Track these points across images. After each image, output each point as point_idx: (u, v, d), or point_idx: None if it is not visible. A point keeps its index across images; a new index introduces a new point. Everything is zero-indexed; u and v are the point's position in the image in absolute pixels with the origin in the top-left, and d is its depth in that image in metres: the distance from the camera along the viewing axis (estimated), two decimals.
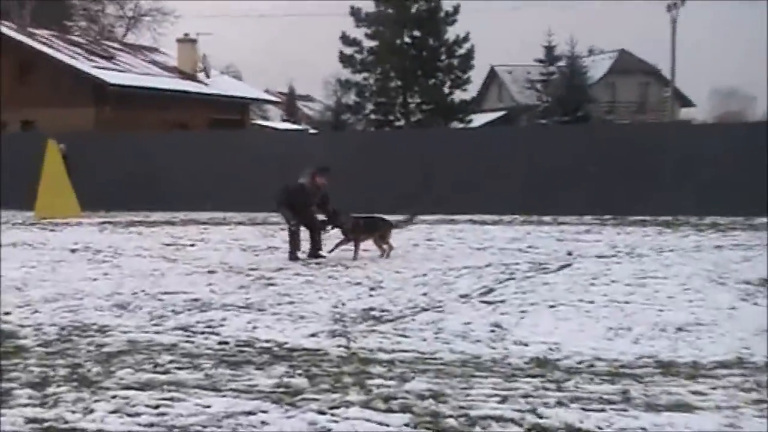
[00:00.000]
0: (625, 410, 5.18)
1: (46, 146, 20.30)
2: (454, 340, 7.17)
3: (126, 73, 29.75)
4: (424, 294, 9.33)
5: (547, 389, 5.66)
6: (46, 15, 42.75)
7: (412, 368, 6.27)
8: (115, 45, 36.29)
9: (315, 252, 12.53)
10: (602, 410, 5.18)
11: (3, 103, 27.66)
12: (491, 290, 9.51)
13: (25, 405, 5.42)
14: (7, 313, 8.38)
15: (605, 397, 5.47)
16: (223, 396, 5.57)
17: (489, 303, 8.74)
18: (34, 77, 28.24)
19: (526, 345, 6.94)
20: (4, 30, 29.73)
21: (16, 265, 11.77)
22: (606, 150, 19.36)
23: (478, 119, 43.09)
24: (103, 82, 27.24)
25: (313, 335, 7.38)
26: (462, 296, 9.17)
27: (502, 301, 8.78)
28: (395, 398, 5.48)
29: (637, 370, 6.16)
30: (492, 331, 7.47)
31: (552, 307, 8.47)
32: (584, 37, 54.08)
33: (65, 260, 12.39)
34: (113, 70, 29.46)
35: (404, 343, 7.07)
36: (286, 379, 5.96)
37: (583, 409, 5.22)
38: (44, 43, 29.67)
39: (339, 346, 6.99)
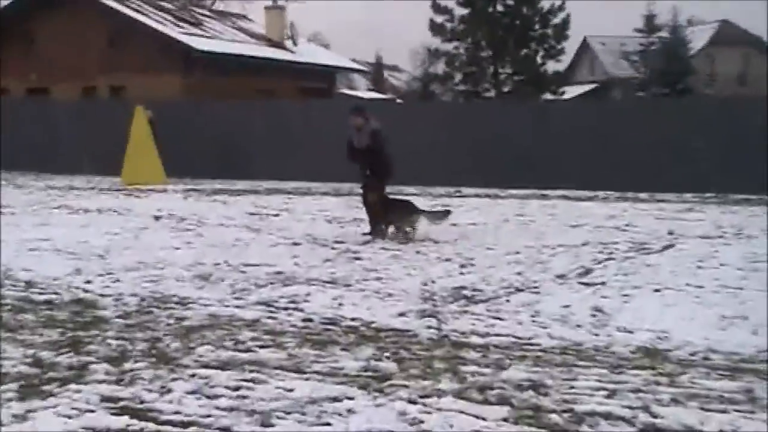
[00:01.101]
0: (751, 412, 4.67)
1: (134, 112, 20.38)
2: (553, 324, 6.73)
3: (214, 40, 29.75)
4: (518, 273, 8.88)
5: (658, 384, 5.19)
6: None
7: (509, 354, 5.87)
8: (204, 12, 36.40)
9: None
10: (724, 411, 4.69)
11: (94, 70, 27.98)
12: (589, 271, 8.99)
13: (101, 381, 5.21)
14: (88, 282, 8.27)
15: (726, 395, 4.97)
16: (307, 379, 5.26)
17: (588, 285, 8.24)
18: (124, 43, 28.46)
19: (631, 332, 6.46)
20: None
21: (101, 232, 11.73)
22: (708, 125, 18.45)
23: (570, 92, 41.99)
24: (191, 48, 27.25)
25: (401, 315, 7.04)
26: (558, 276, 8.69)
27: (602, 283, 8.27)
28: (491, 388, 5.10)
29: (759, 365, 5.62)
30: (593, 315, 7.00)
31: (657, 291, 7.93)
32: (684, 6, 52.06)
33: (148, 228, 12.31)
34: (201, 36, 29.50)
35: (499, 326, 6.67)
36: (373, 363, 5.64)
37: (703, 408, 4.74)
38: (135, 9, 29.85)
39: (429, 327, 6.63)
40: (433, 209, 12.50)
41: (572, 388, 5.10)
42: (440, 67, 37.85)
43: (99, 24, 28.67)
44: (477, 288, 8.12)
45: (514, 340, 6.27)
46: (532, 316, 6.98)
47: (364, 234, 11.55)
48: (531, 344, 6.16)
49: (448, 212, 12.10)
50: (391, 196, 11.91)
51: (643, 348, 6.04)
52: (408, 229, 11.40)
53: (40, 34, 29.12)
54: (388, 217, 11.52)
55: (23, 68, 29.00)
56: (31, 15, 28.83)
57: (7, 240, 10.91)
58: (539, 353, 5.90)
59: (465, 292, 7.96)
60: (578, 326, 6.65)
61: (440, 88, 37.72)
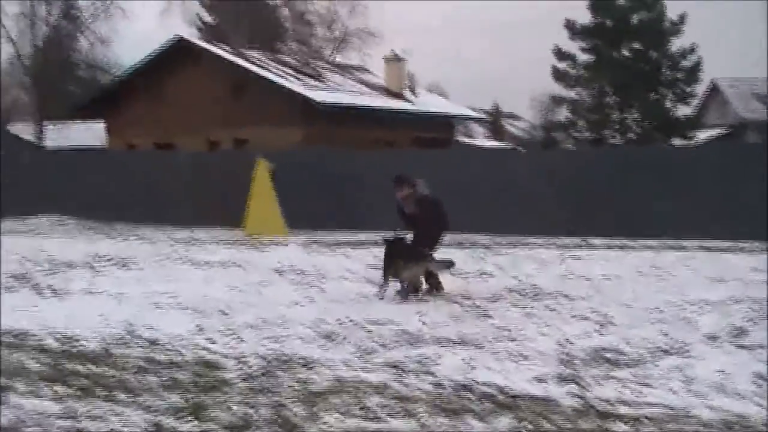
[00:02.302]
0: None
1: (256, 164, 20.56)
2: (709, 392, 6.12)
3: (334, 93, 30.07)
4: (663, 333, 8.24)
5: None
6: (260, 38, 44.39)
7: (663, 428, 5.31)
8: (324, 65, 36.93)
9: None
10: None
11: (218, 123, 28.60)
12: (743, 331, 8.28)
13: None
14: (210, 340, 8.08)
15: None
16: None
17: (743, 347, 7.55)
18: (247, 97, 29.04)
19: None
20: (220, 52, 30.84)
21: (223, 287, 11.64)
22: None
23: (700, 136, 40.59)
24: (312, 101, 27.58)
25: (538, 379, 6.55)
26: (708, 337, 8.02)
27: (760, 346, 7.56)
28: None
29: None
30: (755, 383, 6.34)
31: None
32: None
33: (270, 282, 12.16)
34: (322, 89, 29.85)
35: (648, 395, 6.11)
36: None
37: None
38: (256, 64, 30.49)
39: (571, 394, 6.11)
40: (439, 261, 11.39)
41: None
42: (563, 114, 37.25)
43: (222, 79, 29.41)
44: (618, 349, 7.56)
45: (668, 410, 5.71)
46: (685, 383, 6.38)
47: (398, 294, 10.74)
48: (688, 416, 5.58)
49: (451, 263, 11.35)
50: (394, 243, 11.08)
51: None
52: (408, 280, 10.70)
53: (167, 91, 30.04)
54: (389, 271, 10.81)
55: (151, 123, 29.91)
56: (159, 72, 29.80)
57: (131, 294, 10.93)
58: (699, 428, 5.32)
59: (606, 354, 7.41)
60: (739, 395, 6.02)
61: (563, 135, 37.02)
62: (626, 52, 34.87)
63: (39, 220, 24.24)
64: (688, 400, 5.93)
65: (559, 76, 35.52)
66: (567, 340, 7.97)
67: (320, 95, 28.53)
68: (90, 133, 36.41)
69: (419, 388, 6.33)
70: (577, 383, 6.40)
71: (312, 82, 30.55)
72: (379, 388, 6.32)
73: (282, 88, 28.45)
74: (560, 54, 35.45)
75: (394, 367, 6.97)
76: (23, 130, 39.86)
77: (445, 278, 12.26)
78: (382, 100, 31.75)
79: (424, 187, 11.35)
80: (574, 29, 35.33)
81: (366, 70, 37.90)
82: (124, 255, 15.72)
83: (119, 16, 40.60)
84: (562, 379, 6.52)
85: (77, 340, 8.13)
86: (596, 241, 17.81)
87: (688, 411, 5.69)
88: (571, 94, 35.81)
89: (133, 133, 30.40)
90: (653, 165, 19.43)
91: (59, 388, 6.35)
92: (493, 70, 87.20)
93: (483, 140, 55.79)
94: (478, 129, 59.26)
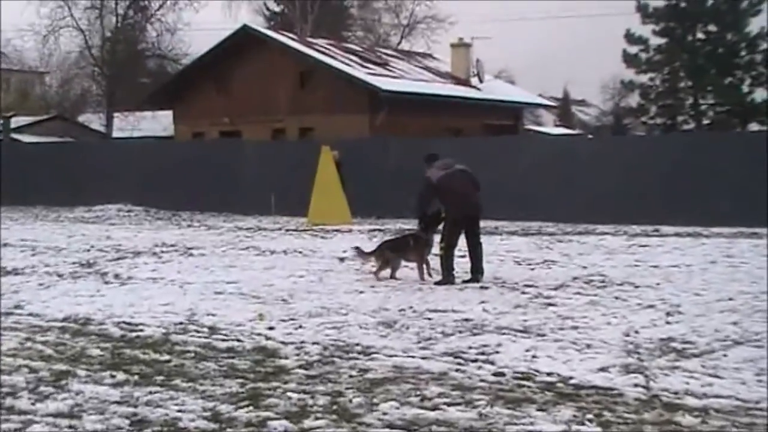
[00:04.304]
0: None
1: (321, 153, 20.61)
2: None
3: (400, 80, 29.96)
4: (734, 323, 8.03)
5: None
6: (326, 25, 44.50)
7: (734, 421, 5.16)
8: (390, 52, 36.83)
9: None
10: None
11: (284, 111, 28.77)
12: None
13: None
14: (270, 328, 8.12)
15: None
16: None
17: None
18: (313, 85, 29.13)
19: None
20: (286, 40, 30.98)
21: (286, 275, 11.71)
22: None
23: None
24: (377, 88, 27.52)
25: (603, 369, 6.43)
26: None
27: None
28: None
29: None
30: None
31: None
32: None
33: (333, 270, 12.19)
34: (387, 76, 29.77)
35: (717, 386, 5.94)
36: (575, 427, 5.08)
37: None
38: (322, 52, 30.55)
39: (636, 385, 6.00)
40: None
41: None
42: (634, 100, 36.59)
43: (288, 68, 29.49)
44: (687, 340, 7.38)
45: (737, 402, 5.54)
46: (757, 375, 6.19)
47: (437, 283, 10.85)
48: (758, 409, 5.41)
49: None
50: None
51: None
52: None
53: (233, 80, 30.26)
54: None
55: (217, 112, 30.20)
56: (225, 61, 30.04)
57: (194, 282, 11.05)
58: None
59: (674, 344, 7.25)
60: None
61: (634, 121, 36.36)
62: (701, 35, 34.05)
63: (106, 208, 24.65)
64: (760, 392, 5.76)
65: (630, 60, 34.86)
66: (634, 329, 7.82)
67: (386, 83, 28.44)
68: (157, 123, 36.91)
69: (480, 378, 6.26)
70: (642, 374, 6.26)
71: (378, 69, 30.47)
72: (439, 378, 6.26)
73: (348, 76, 28.43)
74: (631, 38, 34.77)
75: (455, 356, 6.91)
76: (92, 120, 40.59)
77: (509, 268, 12.20)
78: (449, 87, 31.53)
79: (432, 171, 11.24)
80: (646, 12, 34.63)
81: (432, 57, 37.67)
82: (189, 243, 15.93)
83: (186, 6, 41.08)
84: (628, 370, 6.38)
85: (140, 329, 8.24)
86: (667, 229, 17.45)
87: (759, 404, 5.51)
88: (643, 79, 35.10)
89: (200, 122, 30.75)
90: (726, 151, 18.94)
91: (120, 375, 6.43)
92: (562, 55, 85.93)
93: (552, 127, 55.14)
94: (546, 115, 58.60)
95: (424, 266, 11.29)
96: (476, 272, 11.05)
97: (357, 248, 12.17)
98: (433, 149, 22.66)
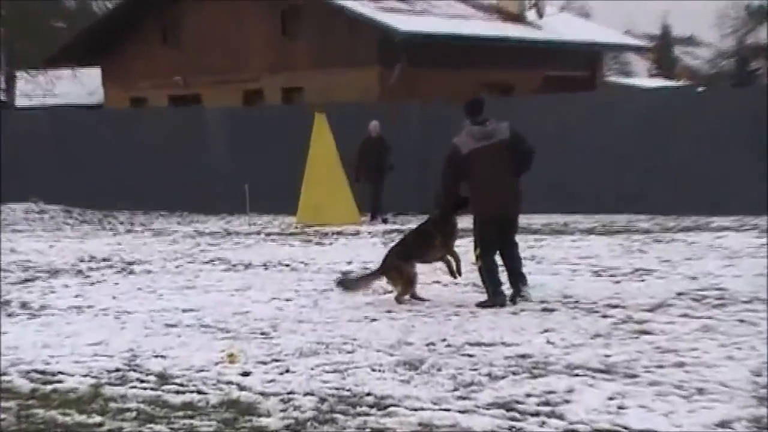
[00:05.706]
0: None
1: (313, 122, 20.56)
2: None
3: (424, 17, 29.99)
4: None
5: None
6: None
7: None
8: None
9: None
10: None
11: (260, 67, 28.90)
12: None
13: None
14: (245, 374, 8.18)
15: None
16: None
17: None
18: (299, 29, 29.26)
19: None
20: None
21: (266, 298, 11.82)
22: None
23: None
24: (392, 30, 27.51)
25: (723, 425, 6.45)
26: None
27: None
28: None
29: None
30: None
31: None
32: None
33: (333, 290, 12.24)
34: (406, 12, 29.75)
35: None
36: None
37: None
38: None
39: None
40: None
41: None
42: (763, 35, 36.53)
43: (264, 6, 29.56)
44: None
45: None
46: None
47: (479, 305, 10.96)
48: None
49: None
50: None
51: None
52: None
53: (188, 24, 30.43)
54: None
55: (165, 69, 30.37)
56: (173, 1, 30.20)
57: (136, 311, 11.14)
58: None
59: None
60: None
61: (765, 65, 36.32)
62: None
63: (7, 209, 24.83)
64: None
65: None
66: (764, 366, 7.84)
67: (405, 21, 28.48)
68: (79, 86, 37.05)
69: None
70: None
71: (393, 3, 30.52)
72: None
73: (350, 12, 28.51)
74: None
75: (507, 408, 6.97)
76: None
77: (584, 281, 12.25)
78: (494, 26, 31.62)
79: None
80: None
81: None
82: (129, 257, 16.03)
83: None
84: (760, 425, 6.42)
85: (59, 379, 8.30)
86: None
87: None
88: None
89: (140, 83, 30.93)
90: None
91: None
92: None
93: (645, 78, 55.22)
94: (637, 62, 58.69)
95: (452, 260, 11.42)
96: (516, 282, 11.11)
97: (342, 278, 12.20)
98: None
